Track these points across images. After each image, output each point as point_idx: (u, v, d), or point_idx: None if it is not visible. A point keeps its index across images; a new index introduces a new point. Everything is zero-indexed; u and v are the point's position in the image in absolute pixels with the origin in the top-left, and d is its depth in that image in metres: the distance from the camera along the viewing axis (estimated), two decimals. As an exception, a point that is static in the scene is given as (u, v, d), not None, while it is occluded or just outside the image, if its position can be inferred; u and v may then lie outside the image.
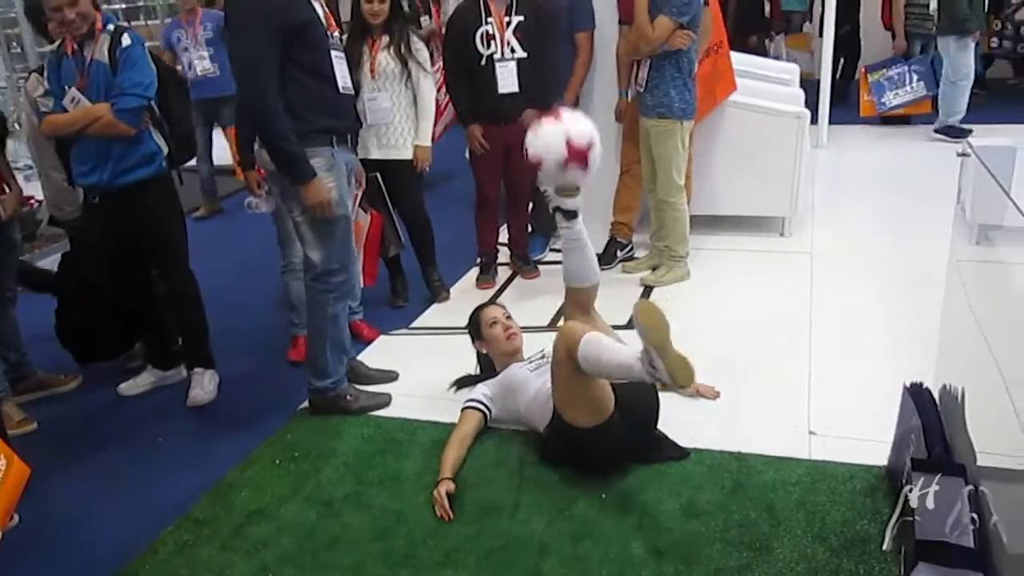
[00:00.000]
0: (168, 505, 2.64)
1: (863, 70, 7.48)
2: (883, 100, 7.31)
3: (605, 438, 2.54)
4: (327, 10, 2.91)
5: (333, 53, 2.89)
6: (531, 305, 3.92)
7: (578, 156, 2.70)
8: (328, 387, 3.10)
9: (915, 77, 7.22)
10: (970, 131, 6.57)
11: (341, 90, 2.92)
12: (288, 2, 2.73)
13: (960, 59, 6.49)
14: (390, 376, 3.38)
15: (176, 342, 3.51)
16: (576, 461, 2.64)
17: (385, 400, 3.14)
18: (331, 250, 2.95)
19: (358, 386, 3.22)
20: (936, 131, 6.80)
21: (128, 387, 3.45)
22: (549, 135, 2.74)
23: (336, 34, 2.95)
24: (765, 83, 5.10)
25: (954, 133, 6.64)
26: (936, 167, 5.97)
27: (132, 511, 2.67)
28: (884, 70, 7.31)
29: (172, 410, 3.32)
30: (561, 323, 2.77)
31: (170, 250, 3.28)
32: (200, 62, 5.85)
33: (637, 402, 2.64)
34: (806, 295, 3.94)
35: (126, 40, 3.00)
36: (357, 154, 3.26)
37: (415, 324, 3.99)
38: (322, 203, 2.82)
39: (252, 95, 2.80)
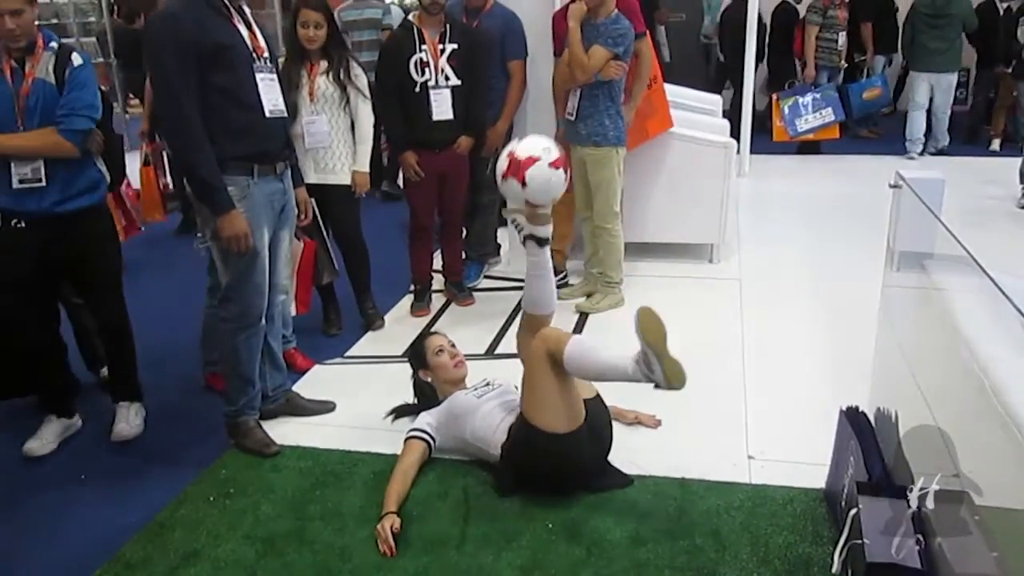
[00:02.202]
0: (95, 547, 2.50)
1: (775, 97, 7.79)
2: (794, 125, 7.63)
3: (574, 447, 2.56)
4: (253, 32, 2.84)
5: (259, 76, 2.82)
6: (467, 332, 3.89)
7: (563, 161, 2.68)
8: (229, 414, 3.06)
9: (823, 104, 7.59)
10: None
11: (268, 114, 2.84)
12: (201, 26, 2.67)
13: (953, 93, 7.62)
14: (327, 407, 3.31)
15: (76, 384, 3.35)
16: (536, 473, 2.62)
17: (271, 451, 2.99)
18: (231, 279, 2.89)
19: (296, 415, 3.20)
20: (932, 154, 7.79)
21: (38, 447, 3.08)
22: (537, 139, 2.71)
23: (266, 56, 2.87)
24: (692, 113, 5.23)
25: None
26: (855, 195, 6.25)
27: (55, 555, 2.51)
28: (794, 97, 7.64)
29: (95, 446, 3.16)
30: (518, 340, 2.82)
31: (108, 280, 3.14)
32: None
33: (597, 426, 2.67)
34: (737, 320, 4.04)
35: (77, 60, 2.87)
36: (297, 183, 3.19)
37: (350, 353, 3.92)
38: (237, 236, 2.76)
39: (170, 122, 2.75)
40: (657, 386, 2.38)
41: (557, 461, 2.57)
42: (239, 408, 3.04)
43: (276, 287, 3.08)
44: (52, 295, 3.10)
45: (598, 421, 2.68)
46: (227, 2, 2.77)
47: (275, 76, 2.92)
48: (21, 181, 2.82)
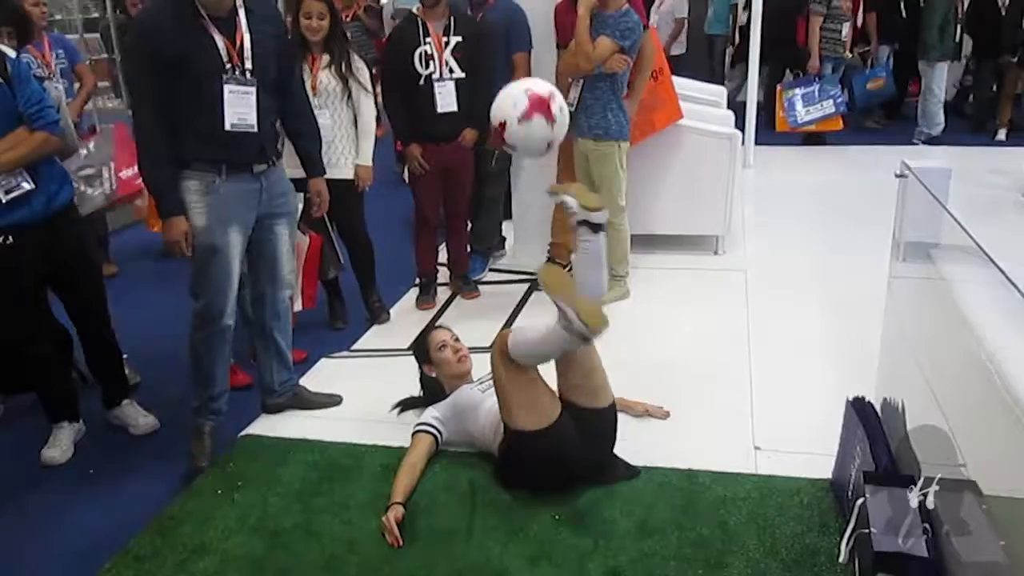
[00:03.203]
0: (103, 541, 2.51)
1: (778, 88, 7.77)
2: (795, 116, 7.60)
3: (554, 441, 2.55)
4: (235, 41, 2.72)
5: (228, 88, 2.70)
6: (472, 325, 3.88)
7: (540, 104, 2.56)
8: (192, 409, 3.03)
9: (826, 95, 7.55)
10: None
11: (229, 127, 2.71)
12: (164, 33, 2.62)
13: (934, 80, 7.81)
14: (334, 400, 3.31)
15: (75, 384, 3.31)
16: (529, 474, 2.63)
17: (192, 463, 2.93)
18: (192, 274, 2.88)
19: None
20: (923, 142, 7.87)
21: (59, 455, 3.03)
22: (505, 93, 2.64)
23: (246, 68, 2.73)
24: (696, 105, 5.22)
25: (935, 143, 7.83)
26: (860, 185, 6.23)
27: (64, 549, 2.53)
28: (798, 88, 7.61)
29: (102, 441, 3.17)
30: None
31: (93, 273, 3.13)
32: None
33: (599, 423, 2.67)
34: (743, 311, 4.04)
35: (9, 52, 2.77)
36: (315, 174, 3.20)
37: (356, 346, 3.92)
38: (172, 242, 2.75)
39: (133, 123, 2.79)
40: (586, 339, 2.34)
41: (540, 456, 2.57)
42: (197, 407, 3.00)
43: (280, 283, 3.07)
44: (45, 301, 3.03)
45: (597, 424, 2.67)
46: (201, 11, 2.66)
47: (253, 88, 2.75)
48: (8, 192, 2.70)
